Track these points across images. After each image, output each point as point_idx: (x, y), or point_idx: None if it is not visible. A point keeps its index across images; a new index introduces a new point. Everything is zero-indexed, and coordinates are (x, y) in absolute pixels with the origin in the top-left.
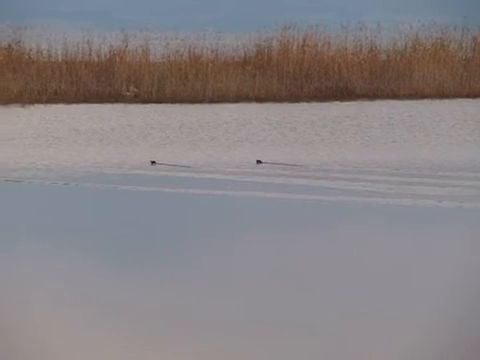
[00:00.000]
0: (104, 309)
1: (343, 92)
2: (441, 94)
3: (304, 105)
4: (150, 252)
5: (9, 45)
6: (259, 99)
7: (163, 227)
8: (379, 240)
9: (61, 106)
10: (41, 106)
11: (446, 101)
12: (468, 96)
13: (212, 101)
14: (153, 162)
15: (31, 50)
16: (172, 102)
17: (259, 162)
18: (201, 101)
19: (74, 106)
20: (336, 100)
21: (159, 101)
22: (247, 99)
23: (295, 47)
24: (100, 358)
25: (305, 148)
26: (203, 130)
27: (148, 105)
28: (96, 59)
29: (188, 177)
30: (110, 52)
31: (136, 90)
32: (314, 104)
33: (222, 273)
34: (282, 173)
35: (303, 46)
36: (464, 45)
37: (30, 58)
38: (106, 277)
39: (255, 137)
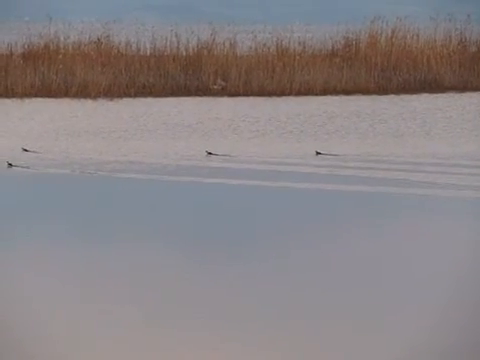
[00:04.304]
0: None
1: (432, 84)
2: None
3: (392, 97)
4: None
5: (98, 39)
6: (346, 91)
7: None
8: (467, 235)
9: (149, 100)
10: (130, 99)
11: None
12: None
13: (299, 94)
14: (214, 155)
15: (120, 44)
16: (259, 95)
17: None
18: (288, 94)
19: (162, 99)
20: (425, 92)
21: (246, 94)
22: (334, 92)
23: (383, 39)
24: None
25: (395, 141)
26: (292, 123)
27: (236, 98)
28: (184, 53)
29: (278, 170)
30: (198, 45)
31: (223, 83)
32: (403, 96)
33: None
34: (371, 166)
35: (391, 38)
36: None
37: (119, 52)
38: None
39: (344, 129)
